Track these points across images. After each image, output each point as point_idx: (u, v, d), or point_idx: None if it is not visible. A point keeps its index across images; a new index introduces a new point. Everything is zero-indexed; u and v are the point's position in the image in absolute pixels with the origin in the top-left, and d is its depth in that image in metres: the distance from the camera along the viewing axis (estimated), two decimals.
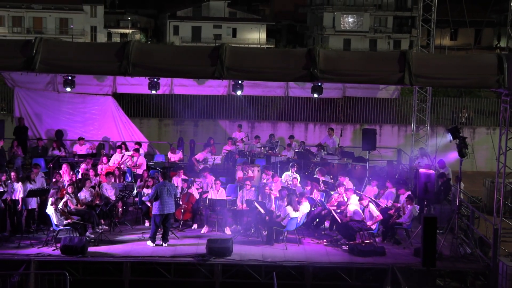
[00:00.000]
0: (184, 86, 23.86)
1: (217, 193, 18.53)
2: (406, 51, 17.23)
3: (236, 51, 17.09)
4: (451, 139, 17.54)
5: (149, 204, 17.81)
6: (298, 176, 19.95)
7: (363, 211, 17.68)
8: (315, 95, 18.82)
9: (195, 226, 18.53)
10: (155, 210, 16.94)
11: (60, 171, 19.15)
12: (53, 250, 16.29)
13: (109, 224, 18.09)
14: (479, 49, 66.66)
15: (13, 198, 17.30)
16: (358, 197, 18.19)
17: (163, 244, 16.92)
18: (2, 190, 17.06)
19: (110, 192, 18.46)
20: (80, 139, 23.11)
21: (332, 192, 19.11)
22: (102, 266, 15.87)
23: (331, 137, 24.23)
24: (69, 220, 16.72)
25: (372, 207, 17.45)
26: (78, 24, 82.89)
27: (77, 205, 17.43)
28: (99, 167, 20.25)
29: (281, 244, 17.18)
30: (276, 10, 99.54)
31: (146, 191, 18.34)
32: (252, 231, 17.94)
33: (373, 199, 18.44)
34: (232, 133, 26.63)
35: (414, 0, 71.42)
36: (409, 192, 18.52)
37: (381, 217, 17.40)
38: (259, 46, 77.70)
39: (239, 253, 16.45)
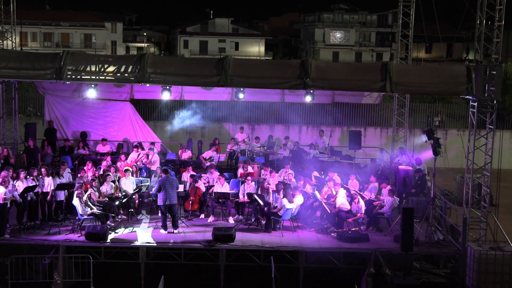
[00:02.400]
0: (193, 93, 23.85)
1: (221, 187, 18.51)
2: (387, 62, 17.23)
3: (238, 63, 17.10)
4: (427, 139, 17.54)
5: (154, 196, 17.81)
6: (292, 172, 19.93)
7: (350, 203, 17.70)
8: (308, 100, 18.82)
9: (202, 216, 18.51)
10: (159, 201, 16.99)
11: (85, 168, 19.09)
12: (79, 236, 16.28)
13: (127, 214, 18.08)
14: (451, 61, 66.61)
15: (44, 191, 17.31)
16: (345, 191, 18.20)
17: (174, 230, 16.91)
18: (34, 184, 17.06)
19: (128, 186, 18.44)
20: (103, 140, 23.12)
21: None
22: (121, 251, 15.88)
23: (321, 138, 24.21)
24: (92, 210, 16.73)
25: (362, 203, 17.44)
26: (100, 39, 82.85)
27: (99, 197, 17.43)
28: (118, 164, 20.22)
29: (277, 231, 17.16)
30: (274, 26, 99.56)
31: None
32: (252, 220, 17.93)
33: (358, 192, 18.44)
34: (235, 134, 26.63)
35: (394, 18, 71.42)
36: (390, 186, 18.51)
37: (363, 216, 17.41)
38: (258, 58, 77.63)
39: (241, 239, 16.42)
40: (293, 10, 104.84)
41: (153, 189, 17.89)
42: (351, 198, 17.95)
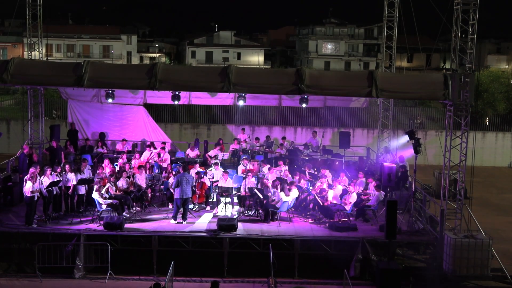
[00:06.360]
0: (200, 98, 23.79)
1: (225, 182, 18.49)
2: (373, 71, 17.21)
3: (240, 71, 17.08)
4: (408, 139, 17.54)
5: (172, 190, 17.78)
6: (287, 167, 19.88)
7: (341, 197, 17.68)
8: (303, 105, 18.81)
9: (208, 207, 18.49)
10: (176, 195, 16.91)
11: (103, 165, 19.11)
12: (98, 226, 16.27)
13: (140, 206, 18.08)
14: (429, 69, 66.62)
15: (67, 185, 17.30)
16: (341, 186, 18.17)
17: (183, 221, 16.89)
18: (58, 179, 17.06)
19: (141, 181, 18.43)
20: (123, 140, 23.15)
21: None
22: (135, 239, 15.86)
23: (315, 138, 24.17)
24: (109, 202, 16.72)
25: (354, 195, 17.37)
26: (117, 50, 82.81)
27: (116, 191, 17.43)
28: (133, 161, 20.21)
29: (275, 222, 17.14)
30: (272, 38, 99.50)
31: (170, 180, 18.31)
32: (253, 212, 17.92)
33: (348, 187, 18.38)
34: (237, 135, 26.58)
35: (379, 31, 71.37)
36: (376, 181, 18.47)
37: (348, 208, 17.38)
38: (258, 66, 77.56)
39: (242, 229, 16.44)
40: (289, 24, 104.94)
41: (172, 184, 17.80)
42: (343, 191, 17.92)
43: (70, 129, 24.00)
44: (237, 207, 18.12)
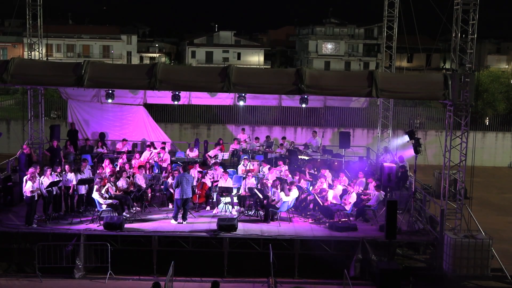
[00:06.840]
0: (200, 98, 23.79)
1: (225, 182, 18.48)
2: (373, 71, 17.21)
3: (240, 71, 17.07)
4: (408, 139, 17.54)
5: (171, 190, 17.77)
6: (287, 167, 19.87)
7: (341, 197, 17.67)
8: (303, 105, 18.81)
9: (208, 207, 18.48)
10: (176, 195, 16.89)
11: (103, 165, 19.10)
12: (98, 226, 16.26)
13: (140, 206, 18.06)
14: (430, 69, 66.63)
15: (67, 185, 17.28)
16: (342, 187, 18.16)
17: (183, 222, 16.88)
18: (58, 179, 17.05)
19: (141, 181, 18.42)
20: (124, 140, 23.15)
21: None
22: (135, 239, 15.85)
23: (314, 138, 24.17)
24: (109, 202, 16.71)
25: (353, 195, 17.37)
26: (117, 50, 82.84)
27: (116, 191, 17.41)
28: (133, 161, 20.19)
29: (275, 222, 17.13)
30: (272, 38, 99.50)
31: (170, 180, 18.31)
32: (253, 212, 17.91)
33: (348, 187, 18.37)
34: (237, 135, 26.57)
35: (379, 31, 71.33)
36: (376, 182, 18.46)
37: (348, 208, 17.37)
38: (258, 66, 77.54)
39: (242, 229, 16.41)
40: (289, 24, 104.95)
41: (173, 184, 17.75)
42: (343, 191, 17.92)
43: (70, 129, 23.98)
44: (237, 207, 18.14)
